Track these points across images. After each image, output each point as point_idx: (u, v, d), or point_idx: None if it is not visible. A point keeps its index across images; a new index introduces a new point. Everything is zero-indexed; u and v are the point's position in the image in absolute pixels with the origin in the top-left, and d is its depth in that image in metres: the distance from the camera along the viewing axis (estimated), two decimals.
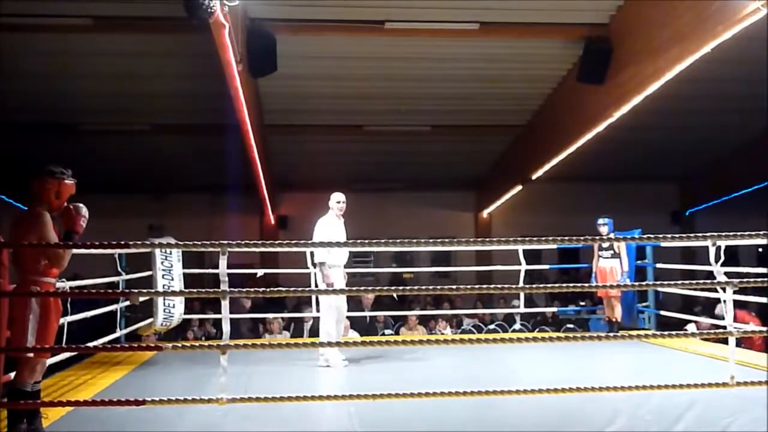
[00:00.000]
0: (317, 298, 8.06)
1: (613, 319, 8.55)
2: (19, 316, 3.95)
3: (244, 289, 4.63)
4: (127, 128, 13.43)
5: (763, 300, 6.61)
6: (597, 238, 8.01)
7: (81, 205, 4.22)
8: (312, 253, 7.33)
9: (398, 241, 4.46)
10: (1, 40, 9.37)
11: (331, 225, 6.95)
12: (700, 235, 4.50)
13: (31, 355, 3.98)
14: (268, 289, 4.51)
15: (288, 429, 4.36)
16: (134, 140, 14.05)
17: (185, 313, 7.99)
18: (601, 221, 8.61)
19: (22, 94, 11.29)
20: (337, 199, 7.03)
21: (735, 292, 4.48)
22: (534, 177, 14.22)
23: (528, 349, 7.26)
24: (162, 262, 7.13)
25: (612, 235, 8.41)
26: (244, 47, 8.54)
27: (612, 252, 8.55)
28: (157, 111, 12.66)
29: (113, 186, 15.52)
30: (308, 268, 8.14)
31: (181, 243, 5.16)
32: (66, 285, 5.84)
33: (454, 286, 4.55)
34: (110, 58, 10.33)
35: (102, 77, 10.87)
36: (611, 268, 8.52)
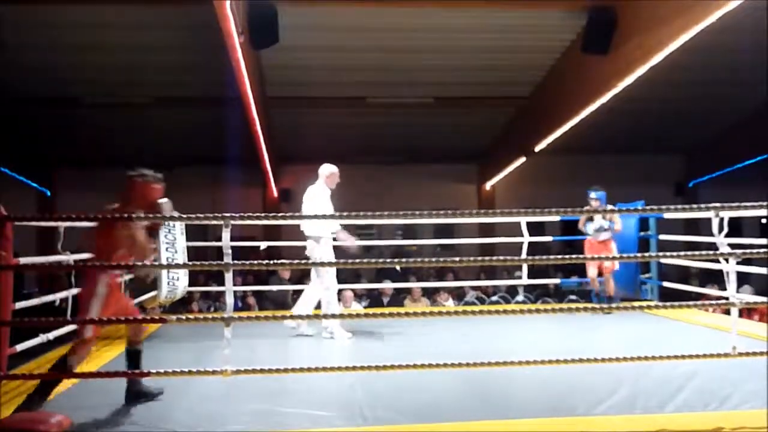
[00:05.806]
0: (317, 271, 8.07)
1: (608, 295, 8.43)
2: (84, 301, 4.25)
3: (248, 262, 4.64)
4: (129, 101, 13.37)
5: (763, 271, 6.60)
6: (599, 209, 7.94)
7: (165, 201, 4.61)
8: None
9: (401, 213, 4.45)
10: (4, 12, 9.31)
11: (325, 197, 6.97)
12: (703, 206, 4.48)
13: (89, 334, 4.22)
14: (272, 262, 4.52)
15: (291, 400, 4.39)
16: (136, 113, 14.01)
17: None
18: (592, 195, 8.18)
19: (26, 67, 11.25)
20: (332, 171, 7.07)
21: (738, 264, 4.47)
22: (537, 149, 14.16)
23: (531, 320, 7.29)
24: (165, 235, 7.12)
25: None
26: (245, 19, 8.47)
27: (607, 225, 8.26)
28: (159, 84, 12.59)
29: (116, 159, 15.41)
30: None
31: (184, 216, 5.16)
32: (70, 258, 5.87)
33: (457, 258, 4.52)
34: (112, 31, 10.26)
35: (104, 50, 10.79)
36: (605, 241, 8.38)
